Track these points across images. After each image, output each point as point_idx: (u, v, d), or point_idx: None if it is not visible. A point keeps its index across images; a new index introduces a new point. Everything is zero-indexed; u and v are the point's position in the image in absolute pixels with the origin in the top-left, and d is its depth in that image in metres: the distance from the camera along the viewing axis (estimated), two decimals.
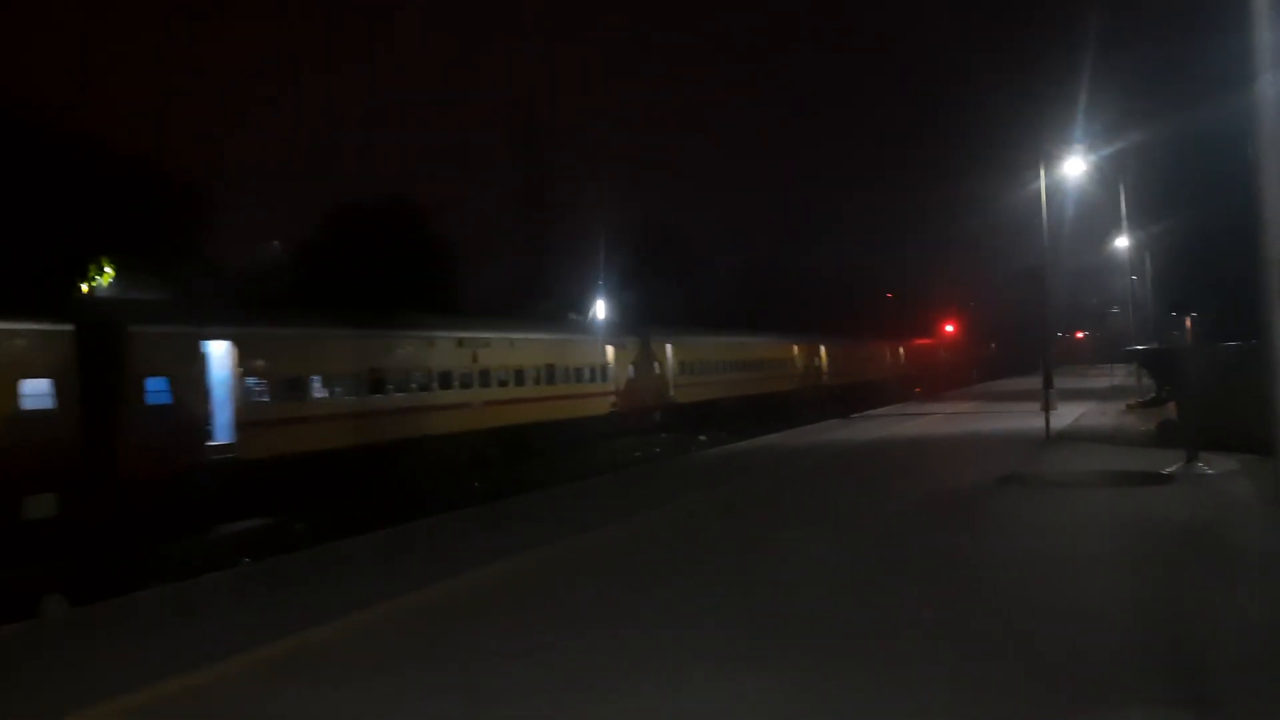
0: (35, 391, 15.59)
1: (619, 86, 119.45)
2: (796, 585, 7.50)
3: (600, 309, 51.29)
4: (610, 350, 31.88)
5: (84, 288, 30.74)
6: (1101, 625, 6.07)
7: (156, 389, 17.50)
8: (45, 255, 28.83)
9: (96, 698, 5.40)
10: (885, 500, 11.94)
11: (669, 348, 35.05)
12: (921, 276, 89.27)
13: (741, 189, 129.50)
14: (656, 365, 34.22)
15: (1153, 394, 23.02)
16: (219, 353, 18.70)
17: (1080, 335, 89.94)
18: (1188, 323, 16.58)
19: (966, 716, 4.69)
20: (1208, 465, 12.33)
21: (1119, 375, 40.28)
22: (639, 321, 37.99)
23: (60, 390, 15.83)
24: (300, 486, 18.39)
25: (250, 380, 19.23)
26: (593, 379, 30.66)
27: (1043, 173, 22.16)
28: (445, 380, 24.33)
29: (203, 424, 18.22)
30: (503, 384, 26.42)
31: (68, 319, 16.65)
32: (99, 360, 16.46)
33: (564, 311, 49.18)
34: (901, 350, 64.58)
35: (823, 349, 50.40)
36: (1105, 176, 28.72)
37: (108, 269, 31.50)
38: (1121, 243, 34.54)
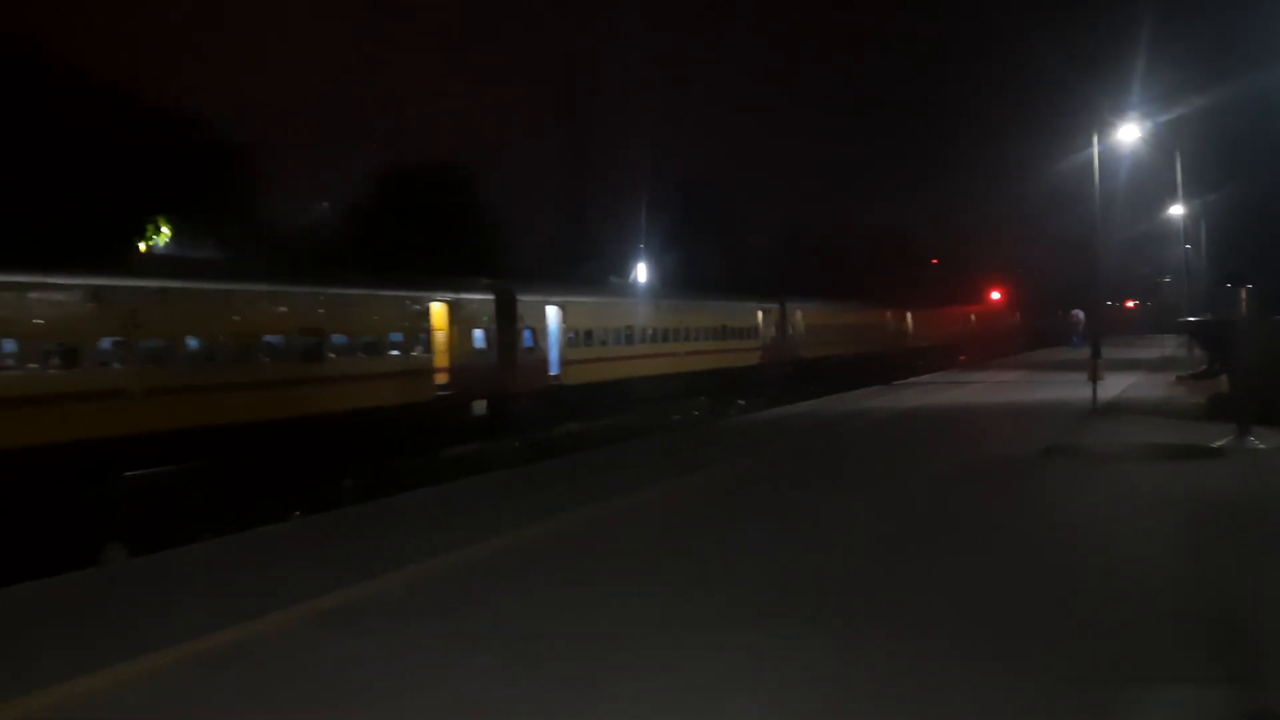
0: (478, 337, 23.95)
1: (663, 47, 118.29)
2: (835, 551, 7.61)
3: (641, 272, 51.31)
4: (760, 313, 38.73)
5: (141, 246, 31.35)
6: (1146, 600, 6.10)
7: (528, 337, 25.75)
8: (105, 214, 29.42)
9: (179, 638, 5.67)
10: (924, 470, 11.95)
11: (799, 312, 41.57)
12: (968, 242, 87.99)
13: (786, 151, 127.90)
14: (790, 327, 40.71)
15: (1204, 366, 22.68)
16: (554, 313, 26.72)
17: (1131, 304, 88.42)
18: (1242, 294, 16.29)
19: (1004, 686, 4.76)
20: (1260, 440, 12.18)
21: (1169, 346, 39.63)
22: (691, 285, 42.04)
23: (488, 336, 24.15)
24: (597, 404, 27.32)
25: (569, 333, 27.16)
26: (749, 337, 37.87)
27: (1096, 140, 21.81)
28: (666, 335, 32.14)
29: (547, 361, 26.47)
30: (695, 339, 33.82)
31: (490, 291, 24.52)
32: (504, 318, 24.63)
33: (606, 274, 49.29)
34: (973, 315, 69.08)
35: (908, 315, 56.43)
36: (1161, 143, 28.15)
37: (165, 229, 32.08)
38: (1176, 211, 33.91)
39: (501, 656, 5.34)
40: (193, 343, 17.61)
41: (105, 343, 16.25)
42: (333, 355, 20.00)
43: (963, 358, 50.92)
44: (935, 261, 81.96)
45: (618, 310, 30.85)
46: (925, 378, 31.14)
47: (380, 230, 39.50)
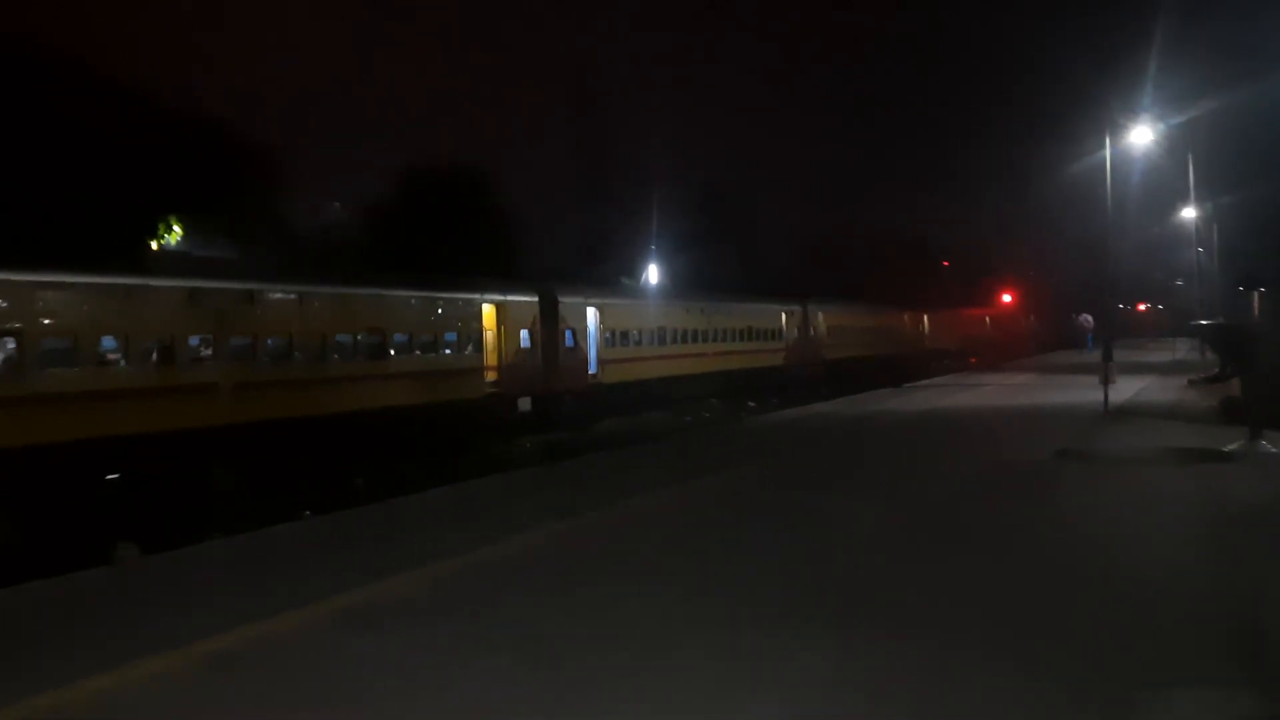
0: (524, 337, 25.29)
1: (678, 50, 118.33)
2: (848, 554, 7.65)
3: (653, 274, 51.34)
4: (784, 315, 39.64)
5: (153, 245, 31.52)
6: (1159, 604, 6.11)
7: (569, 337, 26.96)
8: (117, 213, 29.59)
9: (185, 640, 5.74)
10: (937, 472, 11.98)
11: (820, 315, 42.44)
12: (980, 243, 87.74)
13: (800, 154, 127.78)
14: (812, 329, 41.54)
15: (1216, 370, 22.63)
16: (592, 315, 28.07)
17: (1143, 307, 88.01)
18: (1256, 298, 16.26)
19: (1019, 689, 4.79)
20: (1272, 444, 12.15)
21: (1181, 349, 39.49)
22: (703, 287, 42.14)
23: (532, 337, 25.47)
24: (635, 401, 28.60)
25: (606, 334, 28.50)
26: (774, 338, 38.87)
27: (1108, 141, 21.76)
28: (696, 336, 33.27)
29: (587, 360, 27.71)
30: (722, 339, 34.82)
31: (535, 293, 25.79)
32: (547, 318, 25.89)
33: (617, 275, 49.31)
34: (988, 319, 70.07)
35: (925, 317, 57.90)
36: (1175, 146, 28.07)
37: (176, 227, 32.25)
38: (1189, 214, 33.78)
39: (515, 656, 5.38)
40: (272, 341, 19.12)
41: (196, 340, 17.88)
42: (394, 354, 21.49)
43: (973, 360, 50.84)
44: (946, 264, 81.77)
45: (651, 312, 31.91)
46: (936, 380, 31.10)
47: (395, 230, 39.62)
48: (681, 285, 46.40)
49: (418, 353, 22.08)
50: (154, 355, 17.05)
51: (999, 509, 9.50)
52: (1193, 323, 29.68)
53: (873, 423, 18.20)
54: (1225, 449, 12.27)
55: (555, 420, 25.02)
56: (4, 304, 15.20)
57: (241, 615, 6.14)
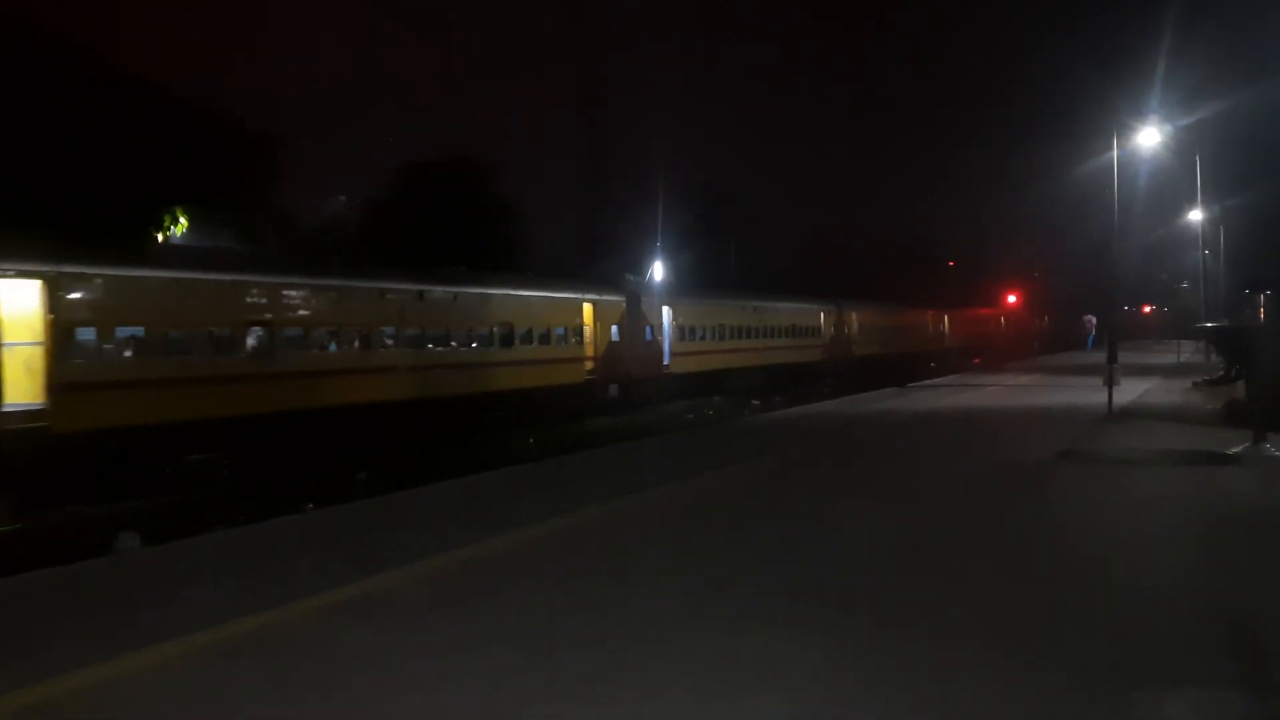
0: (614, 332, 29.44)
1: (683, 48, 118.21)
2: (851, 552, 7.63)
3: (658, 270, 51.25)
4: (821, 314, 43.22)
5: (159, 237, 31.55)
6: (1162, 606, 6.10)
7: (648, 332, 31.18)
8: (122, 204, 29.62)
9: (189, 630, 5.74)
10: (940, 472, 11.95)
11: (854, 314, 45.72)
12: (985, 244, 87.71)
13: (805, 153, 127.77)
14: (846, 327, 44.85)
15: (1220, 372, 22.57)
16: (667, 313, 32.16)
17: (1148, 309, 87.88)
18: (1261, 300, 16.21)
19: (1023, 688, 4.79)
20: (1275, 447, 12.12)
21: (1186, 351, 39.42)
22: (708, 284, 44.55)
23: (620, 331, 29.60)
24: (699, 390, 32.35)
25: (677, 330, 32.48)
26: (814, 335, 42.45)
27: (1115, 143, 21.71)
28: (749, 333, 37.15)
29: (662, 352, 31.77)
30: (771, 336, 38.59)
31: (622, 294, 30.27)
32: (631, 316, 30.04)
33: (621, 271, 49.21)
34: (1002, 320, 72.83)
35: (945, 317, 60.68)
36: (1181, 147, 28.01)
37: (182, 219, 32.26)
38: (1194, 216, 33.71)
39: (518, 651, 5.37)
40: (435, 332, 23.30)
41: (386, 330, 22.13)
42: (519, 344, 25.66)
43: (976, 360, 50.95)
44: (952, 265, 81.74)
45: (713, 311, 35.42)
46: (939, 381, 31.06)
47: (399, 224, 39.61)
48: (684, 282, 46.44)
49: (536, 344, 26.27)
50: (355, 343, 21.28)
51: (1000, 509, 9.49)
52: (1197, 325, 29.60)
53: (875, 423, 18.17)
54: (1229, 452, 12.23)
55: (637, 403, 28.93)
56: (260, 300, 19.36)
57: (243, 607, 6.15)
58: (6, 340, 15.32)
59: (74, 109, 30.07)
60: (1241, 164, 29.68)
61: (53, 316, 15.76)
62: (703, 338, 34.20)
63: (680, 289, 35.78)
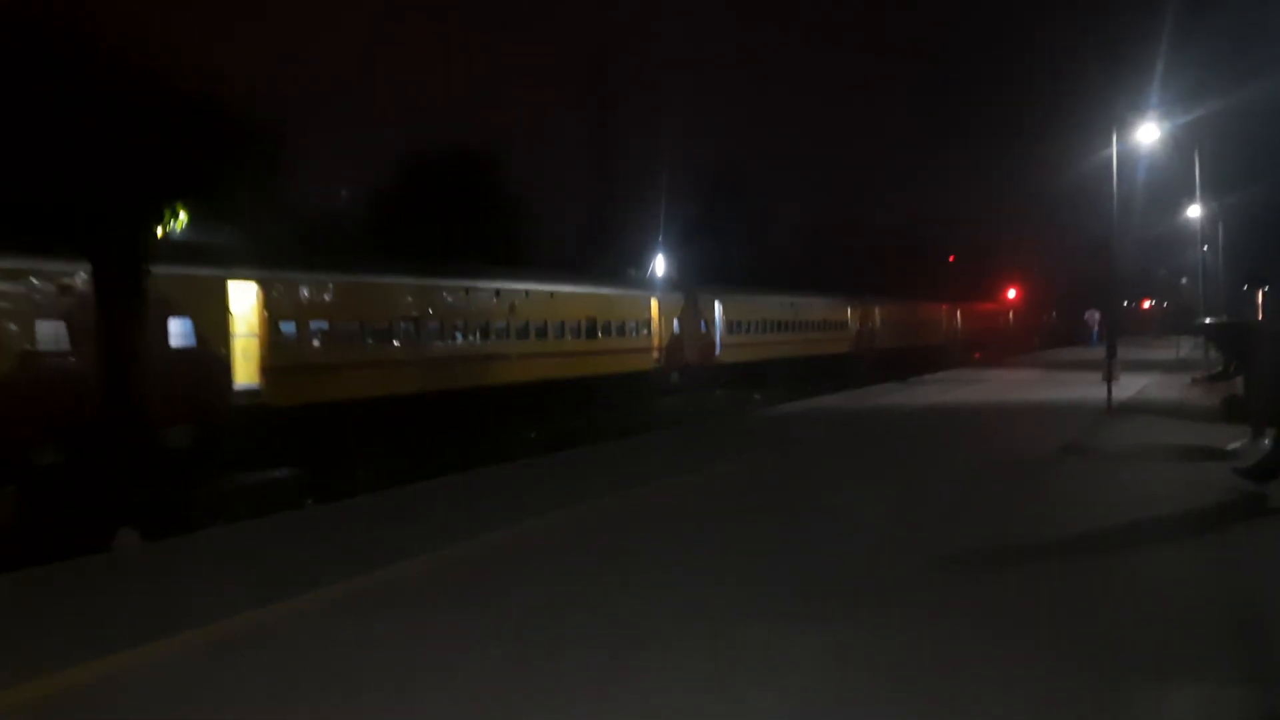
0: (675, 325, 33.15)
1: (686, 40, 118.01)
2: (853, 547, 7.73)
3: (660, 264, 51.26)
4: (849, 309, 47.16)
5: (159, 231, 31.50)
6: (1161, 600, 6.18)
7: (702, 324, 34.78)
8: (122, 198, 29.56)
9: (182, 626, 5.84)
10: (941, 467, 12.04)
11: (877, 309, 49.75)
12: (987, 239, 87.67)
13: (807, 146, 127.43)
14: (870, 321, 48.72)
15: (1219, 368, 22.64)
16: (719, 308, 35.78)
17: (1147, 305, 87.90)
18: (1260, 296, 16.24)
19: (1026, 681, 4.88)
20: (1273, 442, 12.17)
21: (1185, 347, 39.47)
22: (694, 278, 44.81)
23: (680, 324, 33.38)
24: (745, 378, 35.27)
25: (727, 324, 35.99)
26: (843, 329, 46.51)
27: (1115, 139, 21.76)
28: (788, 326, 40.95)
29: (715, 344, 35.36)
30: (806, 330, 42.34)
31: (682, 291, 34.26)
32: (689, 311, 33.92)
33: (624, 265, 49.26)
34: (1011, 315, 75.52)
35: (959, 311, 64.35)
36: (1180, 144, 28.06)
37: (182, 214, 32.22)
38: (1194, 212, 33.76)
39: (518, 645, 5.44)
40: (536, 324, 26.67)
41: (500, 324, 25.60)
42: (601, 335, 29.41)
43: (977, 355, 51.17)
44: (952, 259, 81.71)
45: (757, 306, 38.82)
46: (940, 375, 31.12)
47: (403, 216, 39.57)
48: (688, 275, 46.60)
49: (615, 335, 30.01)
50: (477, 334, 24.79)
51: (1000, 503, 9.57)
52: (1197, 321, 29.67)
53: (876, 418, 18.26)
54: (1228, 447, 12.30)
55: (694, 388, 32.38)
56: (408, 299, 23.00)
57: (245, 601, 6.25)
58: (235, 333, 18.73)
59: (69, 102, 30.01)
60: (1241, 161, 29.73)
61: (266, 313, 19.32)
62: (748, 331, 37.53)
63: (729, 287, 38.25)
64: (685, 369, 32.94)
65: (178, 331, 17.84)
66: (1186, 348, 38.91)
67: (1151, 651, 5.20)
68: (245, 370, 18.92)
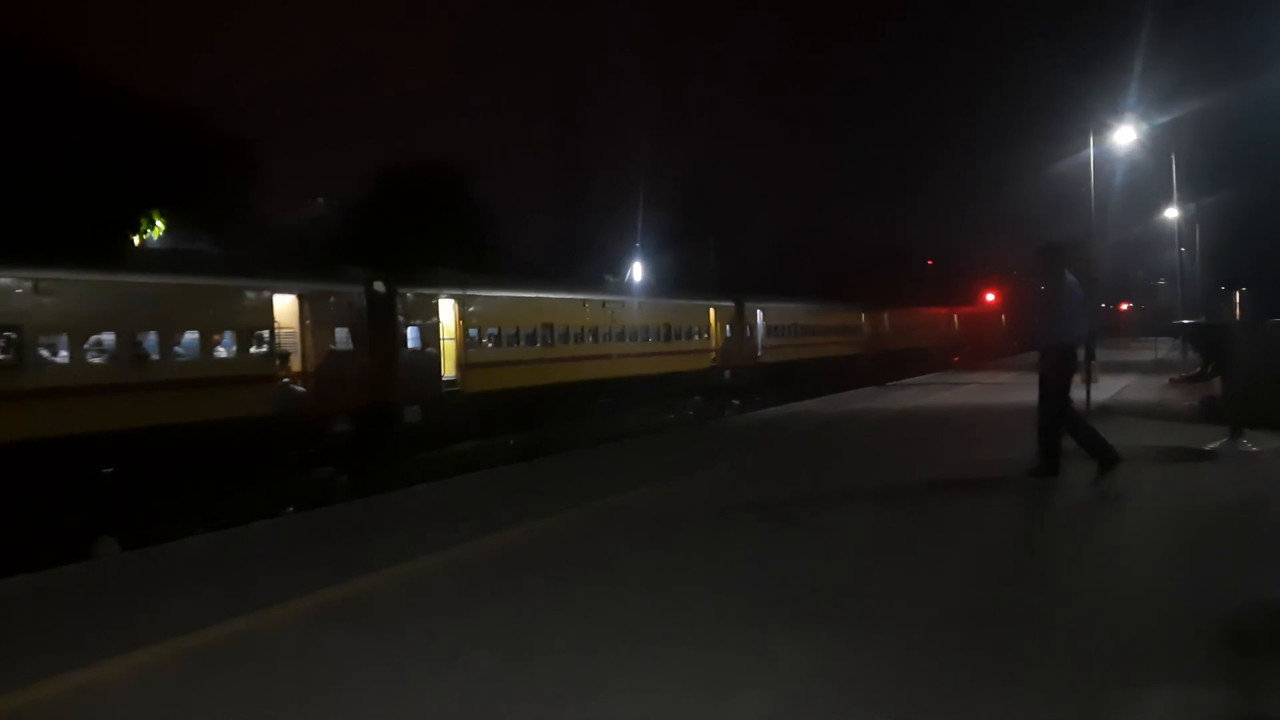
0: (728, 330, 37.59)
1: (661, 48, 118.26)
2: (832, 554, 7.64)
3: (637, 272, 51.34)
4: (863, 315, 51.48)
5: (136, 240, 31.29)
6: (1139, 602, 6.12)
7: (750, 327, 39.31)
8: (98, 207, 29.34)
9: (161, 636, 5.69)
10: (920, 471, 11.97)
11: (885, 314, 54.08)
12: (963, 244, 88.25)
13: (783, 154, 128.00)
14: (880, 325, 52.94)
15: (1197, 369, 22.74)
16: (760, 315, 39.70)
17: (1124, 307, 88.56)
18: (1236, 297, 16.29)
19: (1004, 687, 4.80)
20: (1252, 443, 12.20)
21: (1163, 349, 39.71)
22: (674, 284, 47.41)
23: (731, 330, 37.72)
24: (781, 375, 39.09)
25: (766, 329, 40.22)
26: (856, 333, 50.38)
27: (1092, 141, 21.86)
28: (813, 330, 45.22)
29: (757, 346, 39.33)
30: (827, 334, 46.68)
31: (732, 300, 38.12)
32: (739, 317, 38.22)
33: (601, 273, 49.35)
34: (1003, 317, 78.35)
35: (955, 315, 69.57)
36: (1157, 146, 28.23)
37: (159, 222, 32.03)
38: (1171, 214, 33.99)
39: (502, 653, 5.35)
40: (629, 330, 31.42)
41: (605, 329, 30.27)
42: (670, 339, 33.61)
43: (956, 359, 51.40)
44: (930, 263, 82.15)
45: (791, 313, 43.22)
46: (919, 379, 31.17)
47: (376, 226, 39.51)
48: (664, 283, 47.08)
49: (683, 339, 34.50)
50: (590, 337, 29.44)
51: (975, 507, 9.51)
52: (1174, 322, 29.83)
53: (856, 421, 18.22)
54: (1206, 448, 12.31)
55: (742, 386, 36.25)
56: (547, 309, 28.08)
57: (223, 610, 6.11)
58: (444, 336, 23.85)
59: (45, 108, 29.76)
60: (1217, 163, 29.96)
61: (460, 322, 24.34)
62: (783, 334, 41.91)
63: (767, 295, 42.58)
64: (735, 369, 37.00)
65: (411, 336, 23.01)
66: (1164, 349, 39.16)
67: (1130, 654, 5.13)
68: (447, 366, 24.22)
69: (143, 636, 5.70)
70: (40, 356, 15.73)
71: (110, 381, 16.38)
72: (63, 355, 16.00)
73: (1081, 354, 11.31)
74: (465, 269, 30.53)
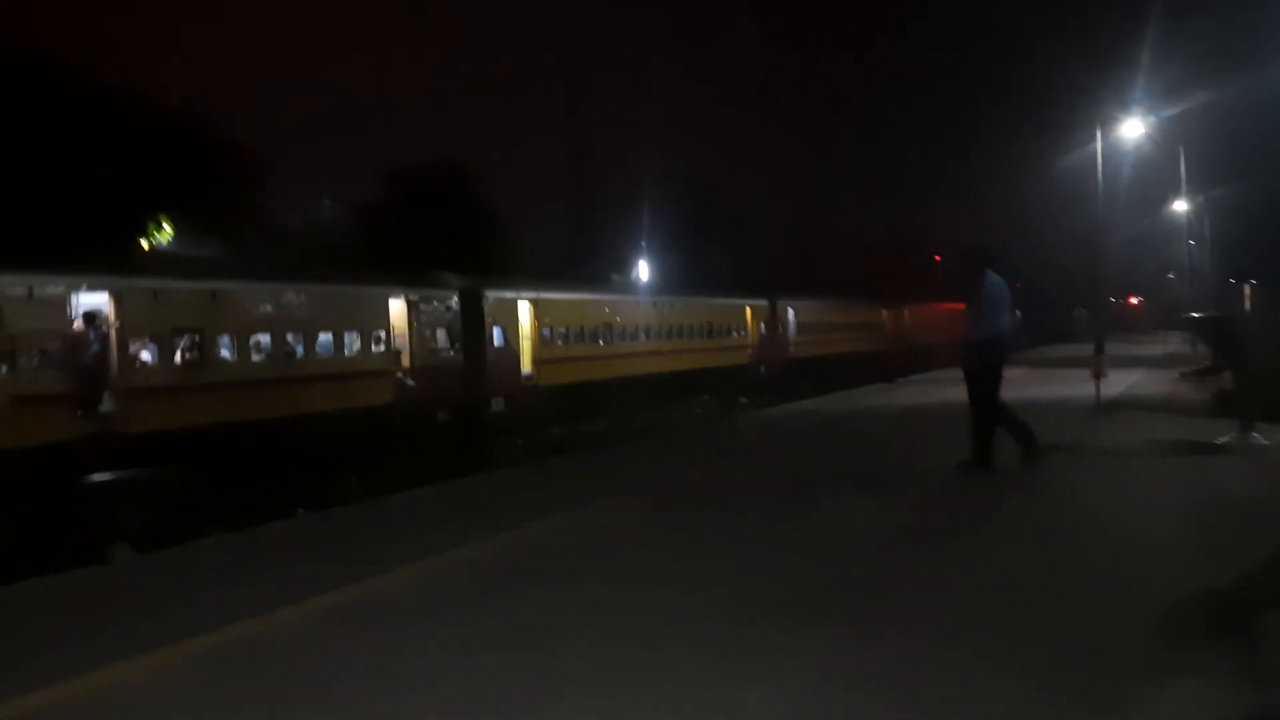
0: (762, 327, 38.80)
1: (668, 47, 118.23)
2: (841, 551, 7.61)
3: (643, 270, 51.39)
4: (884, 311, 53.30)
5: (144, 244, 31.41)
6: (1151, 596, 6.06)
7: (783, 324, 40.42)
8: (106, 211, 29.45)
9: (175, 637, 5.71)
10: (929, 467, 11.93)
11: (906, 311, 55.58)
12: (971, 238, 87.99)
13: (790, 150, 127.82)
14: (901, 320, 54.51)
15: (1208, 363, 22.64)
16: (792, 312, 41.20)
17: (1134, 301, 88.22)
18: (1247, 290, 16.19)
19: (1012, 682, 4.76)
20: (1264, 436, 12.13)
21: (1173, 343, 39.56)
22: (682, 283, 47.41)
23: (766, 326, 39.00)
24: (810, 370, 39.55)
25: (796, 326, 41.55)
26: (879, 329, 51.93)
27: (1099, 135, 21.77)
28: (841, 327, 46.95)
29: (789, 342, 40.92)
30: (856, 330, 48.64)
31: (766, 298, 39.33)
32: (773, 315, 39.52)
33: (607, 272, 49.40)
34: (1017, 313, 77.22)
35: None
36: (1165, 139, 28.11)
37: (166, 226, 32.15)
38: (1180, 207, 33.85)
39: (510, 653, 5.34)
40: (675, 328, 33.24)
41: (654, 327, 32.25)
42: (710, 336, 35.33)
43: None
44: (939, 259, 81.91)
45: (819, 310, 44.91)
46: (928, 375, 31.11)
47: (385, 228, 39.60)
48: (675, 282, 47.14)
49: (723, 335, 36.38)
50: (641, 335, 31.24)
51: (987, 502, 9.48)
52: (1184, 316, 29.68)
53: (867, 417, 18.18)
54: (1217, 441, 12.24)
55: (776, 380, 37.34)
56: (605, 310, 30.50)
57: (235, 613, 6.12)
58: (523, 335, 25.82)
59: (52, 112, 29.87)
60: (1226, 155, 29.80)
61: (535, 322, 26.22)
62: (813, 331, 43.26)
63: (798, 293, 43.97)
64: (770, 363, 38.49)
65: (496, 336, 24.99)
66: (1174, 343, 39.01)
67: (1142, 647, 5.10)
68: (524, 362, 26.19)
69: (153, 639, 5.72)
70: (217, 355, 17.90)
71: (270, 376, 18.67)
72: (231, 353, 18.19)
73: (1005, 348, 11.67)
74: (475, 271, 30.70)
